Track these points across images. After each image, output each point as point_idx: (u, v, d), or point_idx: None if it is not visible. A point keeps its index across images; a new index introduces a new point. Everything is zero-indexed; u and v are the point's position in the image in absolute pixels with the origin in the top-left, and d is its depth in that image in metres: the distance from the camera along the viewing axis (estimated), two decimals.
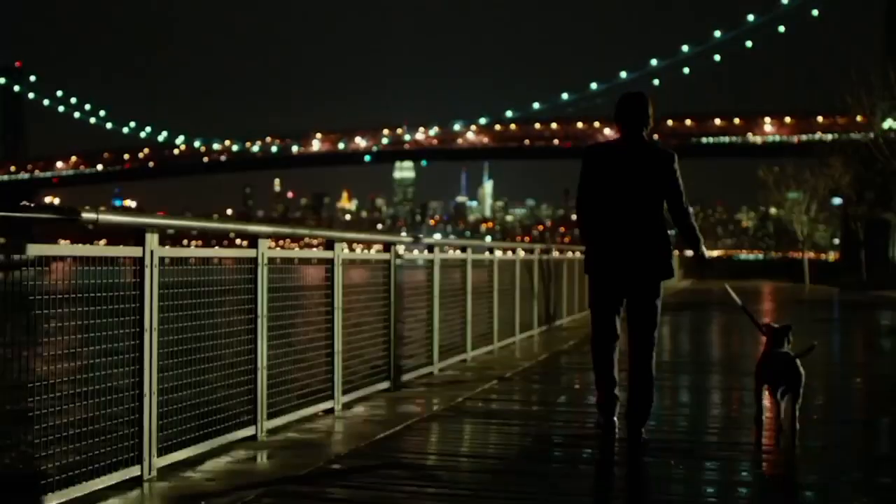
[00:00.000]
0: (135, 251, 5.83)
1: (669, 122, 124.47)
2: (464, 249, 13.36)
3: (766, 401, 8.43)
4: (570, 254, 21.14)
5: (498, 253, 15.35)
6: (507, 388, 10.72)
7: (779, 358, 7.94)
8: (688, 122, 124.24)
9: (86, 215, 5.29)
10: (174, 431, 6.18)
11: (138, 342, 5.83)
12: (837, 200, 62.62)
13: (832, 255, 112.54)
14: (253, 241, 7.28)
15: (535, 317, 16.95)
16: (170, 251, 6.20)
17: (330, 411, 8.51)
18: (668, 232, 7.47)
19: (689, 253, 7.95)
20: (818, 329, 20.76)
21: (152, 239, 5.90)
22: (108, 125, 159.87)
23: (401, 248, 10.60)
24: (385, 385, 9.92)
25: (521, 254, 16.63)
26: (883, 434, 8.65)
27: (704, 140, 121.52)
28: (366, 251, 11.71)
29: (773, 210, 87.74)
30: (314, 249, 9.18)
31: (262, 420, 7.24)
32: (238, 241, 7.55)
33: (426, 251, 11.66)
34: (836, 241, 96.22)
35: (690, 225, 7.48)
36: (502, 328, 14.74)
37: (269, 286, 7.39)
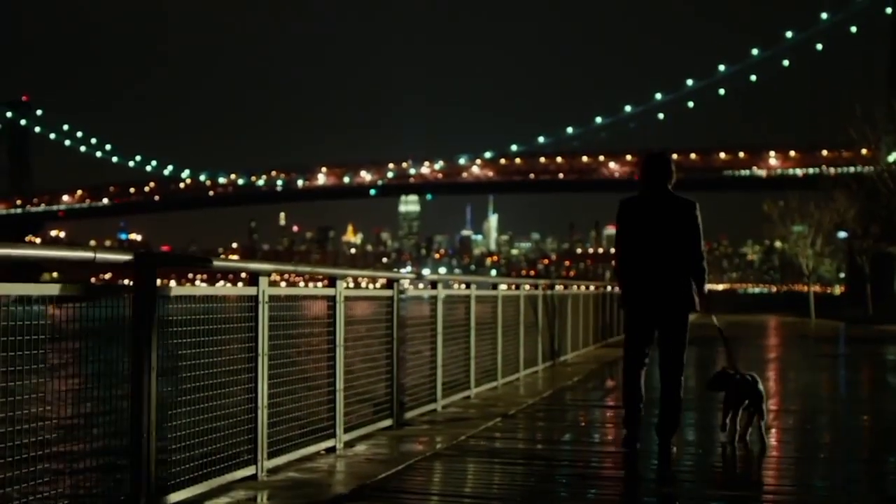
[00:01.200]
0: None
1: (674, 156, 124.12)
2: (468, 285, 13.30)
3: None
4: (574, 288, 21.07)
5: (503, 287, 15.29)
6: (511, 425, 10.64)
7: (745, 382, 8.81)
8: (692, 155, 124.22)
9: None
10: (173, 471, 6.10)
11: (138, 382, 5.76)
12: (843, 234, 62.49)
13: (837, 289, 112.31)
14: (254, 278, 7.23)
15: (539, 352, 16.87)
16: (170, 290, 6.15)
17: (332, 450, 8.44)
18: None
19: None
20: (824, 364, 20.66)
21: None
22: (114, 159, 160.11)
23: (405, 283, 10.58)
24: (388, 423, 9.85)
25: (527, 287, 16.56)
26: (890, 474, 8.54)
27: (709, 174, 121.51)
28: (371, 285, 11.64)
29: (778, 244, 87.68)
30: (318, 284, 9.12)
31: (262, 459, 7.17)
32: (244, 274, 7.48)
33: (430, 287, 11.61)
34: (842, 274, 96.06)
35: (702, 269, 8.54)
36: (506, 364, 14.66)
37: (269, 323, 7.35)
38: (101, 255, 5.29)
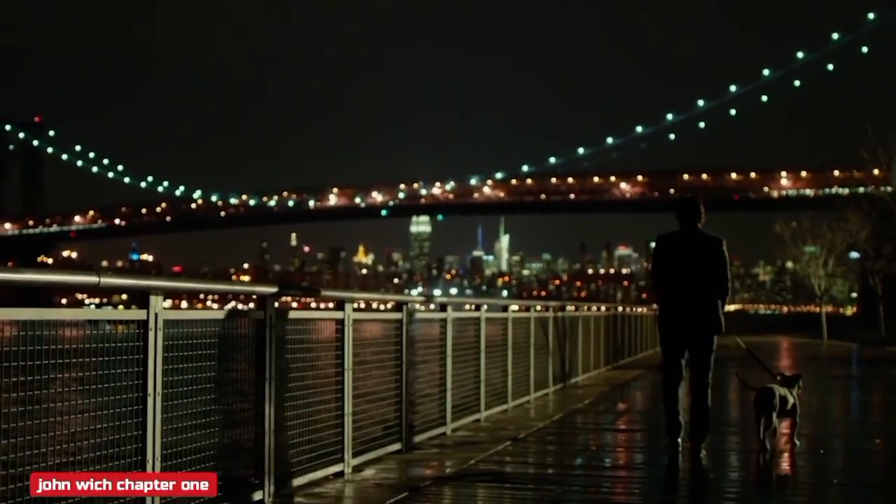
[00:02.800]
0: (139, 314, 5.72)
1: (686, 177, 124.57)
2: (478, 307, 13.23)
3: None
4: (585, 309, 20.91)
5: (514, 307, 15.20)
6: (522, 449, 10.55)
7: (762, 392, 9.92)
8: (704, 176, 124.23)
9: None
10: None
11: (141, 407, 5.70)
12: (855, 255, 62.27)
13: (850, 310, 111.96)
14: (261, 301, 7.17)
15: (549, 375, 16.77)
16: (175, 313, 6.09)
17: (339, 475, 8.36)
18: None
19: None
20: (836, 387, 20.54)
21: (157, 301, 5.79)
22: (126, 179, 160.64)
23: (417, 305, 10.55)
24: (396, 446, 9.77)
25: (538, 308, 16.45)
26: None
27: (721, 194, 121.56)
28: (382, 306, 11.58)
29: (789, 264, 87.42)
30: (331, 305, 9.05)
31: (269, 485, 7.09)
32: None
33: (439, 309, 11.54)
34: (854, 294, 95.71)
35: (726, 290, 9.87)
36: (516, 386, 14.57)
37: (277, 346, 7.29)
38: (105, 280, 5.25)
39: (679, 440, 9.91)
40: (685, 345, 9.94)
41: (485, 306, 13.32)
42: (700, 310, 9.81)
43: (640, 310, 32.20)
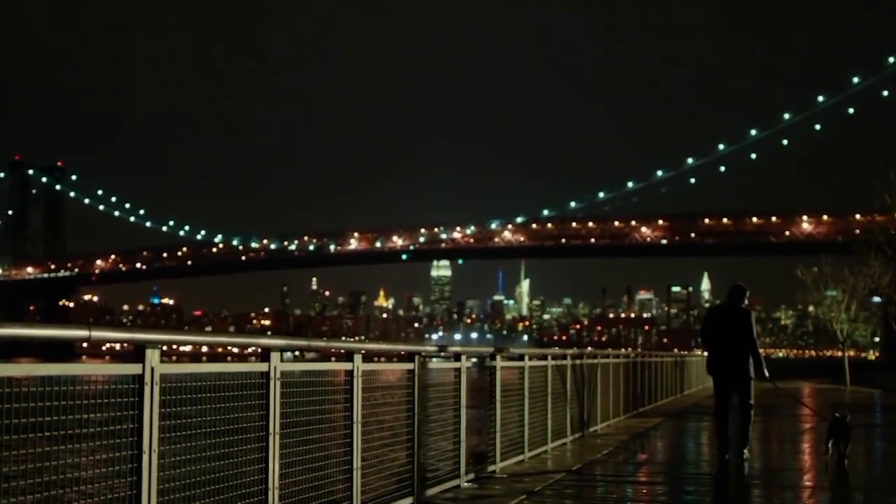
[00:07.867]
0: (134, 368, 5.51)
1: (707, 221, 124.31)
2: (492, 356, 12.94)
3: None
4: (601, 357, 20.42)
5: (530, 353, 14.92)
6: (538, 503, 10.26)
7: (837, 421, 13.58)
8: (725, 220, 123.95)
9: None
10: None
11: (136, 465, 5.48)
12: (877, 299, 61.68)
13: (872, 354, 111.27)
14: (265, 354, 6.95)
15: (567, 423, 16.45)
16: (172, 367, 5.89)
17: None
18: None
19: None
20: (859, 436, 20.17)
21: (153, 355, 5.58)
22: (148, 223, 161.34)
23: (431, 351, 10.34)
24: (408, 500, 9.51)
25: (555, 351, 16.15)
26: None
27: (742, 238, 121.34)
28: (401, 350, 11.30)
29: (811, 308, 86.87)
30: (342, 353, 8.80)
31: None
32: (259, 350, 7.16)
33: (453, 360, 11.27)
34: (877, 338, 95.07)
35: (757, 354, 13.83)
36: (533, 435, 14.28)
37: (282, 400, 7.05)
38: (95, 333, 5.04)
39: (727, 456, 13.41)
40: (729, 388, 13.84)
41: (499, 357, 13.01)
42: (734, 360, 13.71)
43: (663, 357, 31.82)
